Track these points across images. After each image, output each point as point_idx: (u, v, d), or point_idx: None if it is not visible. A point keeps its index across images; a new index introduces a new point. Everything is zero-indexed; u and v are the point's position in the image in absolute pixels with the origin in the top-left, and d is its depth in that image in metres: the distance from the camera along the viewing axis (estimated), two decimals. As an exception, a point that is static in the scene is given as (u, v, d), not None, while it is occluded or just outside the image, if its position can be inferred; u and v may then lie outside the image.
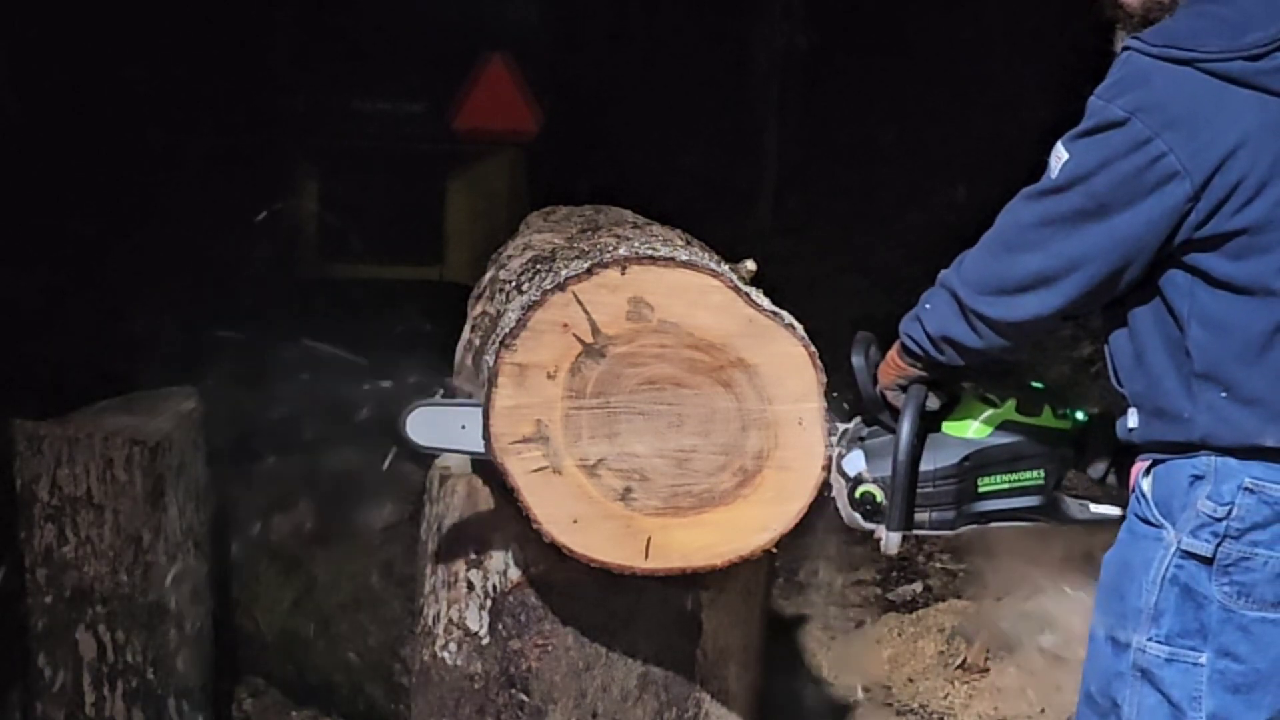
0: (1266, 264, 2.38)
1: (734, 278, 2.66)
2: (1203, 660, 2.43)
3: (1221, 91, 2.36)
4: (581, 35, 8.70)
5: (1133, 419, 2.51)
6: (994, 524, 2.72)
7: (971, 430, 2.68)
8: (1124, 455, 2.67)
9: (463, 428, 2.69)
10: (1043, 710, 4.18)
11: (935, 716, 4.24)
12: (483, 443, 2.62)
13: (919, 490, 2.66)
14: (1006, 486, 2.68)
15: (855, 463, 2.69)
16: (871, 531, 2.71)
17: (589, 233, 3.10)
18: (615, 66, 9.21)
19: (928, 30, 9.25)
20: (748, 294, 2.64)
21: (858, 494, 2.68)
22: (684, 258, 2.65)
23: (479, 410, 2.63)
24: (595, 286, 2.59)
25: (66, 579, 3.97)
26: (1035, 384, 2.75)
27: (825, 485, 2.70)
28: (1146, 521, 2.49)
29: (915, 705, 4.28)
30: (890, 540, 2.66)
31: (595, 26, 9.10)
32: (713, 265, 2.69)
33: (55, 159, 6.61)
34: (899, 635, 4.54)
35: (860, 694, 4.31)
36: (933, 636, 4.48)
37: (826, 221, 9.22)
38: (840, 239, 9.04)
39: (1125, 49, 2.44)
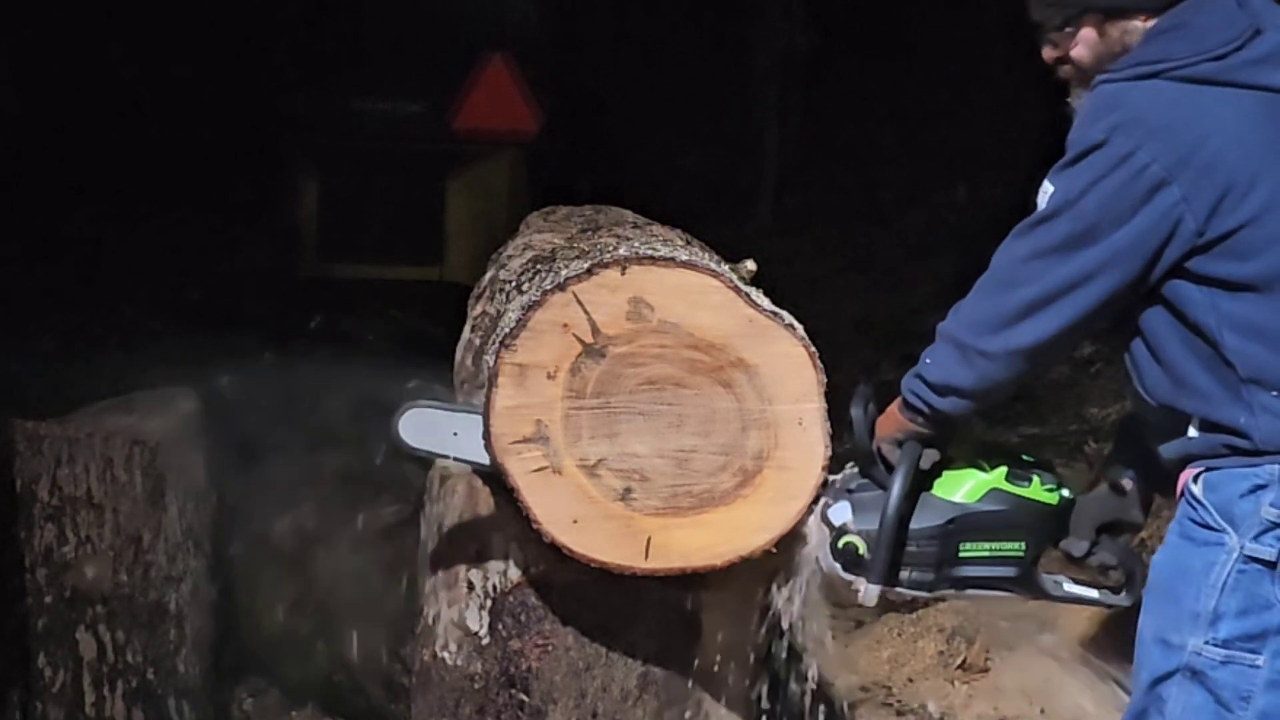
0: (1276, 254, 2.39)
1: (734, 278, 2.66)
2: (1260, 662, 2.43)
3: (1195, 95, 2.39)
4: (581, 35, 8.71)
5: (1192, 430, 2.50)
6: (969, 590, 2.73)
7: (960, 494, 2.68)
8: (1107, 533, 2.70)
9: (455, 434, 2.69)
10: (1042, 710, 4.18)
11: (935, 716, 4.24)
12: (475, 449, 2.62)
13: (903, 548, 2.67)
14: (987, 554, 2.69)
15: (841, 513, 2.69)
16: (850, 582, 2.71)
17: (589, 233, 3.10)
18: (615, 66, 9.21)
19: (928, 30, 9.25)
20: (748, 294, 2.64)
21: (840, 544, 2.68)
22: (684, 258, 2.66)
23: (472, 417, 2.63)
24: (595, 286, 2.60)
25: (66, 579, 3.97)
26: (1026, 456, 2.77)
27: (805, 522, 2.71)
28: (1206, 526, 2.48)
29: (915, 705, 4.27)
30: (869, 593, 2.67)
31: (595, 26, 9.11)
32: (713, 265, 2.69)
33: (55, 158, 6.61)
34: (899, 635, 4.53)
35: (860, 694, 4.31)
36: (933, 636, 4.48)
37: (826, 221, 9.22)
38: (840, 239, 9.04)
39: (1094, 84, 2.47)
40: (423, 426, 2.72)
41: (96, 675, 4.00)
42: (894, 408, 2.66)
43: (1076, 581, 2.78)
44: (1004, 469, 2.70)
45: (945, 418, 2.60)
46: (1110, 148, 2.39)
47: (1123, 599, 2.74)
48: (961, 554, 2.68)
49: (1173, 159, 2.37)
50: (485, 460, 2.65)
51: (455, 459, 2.75)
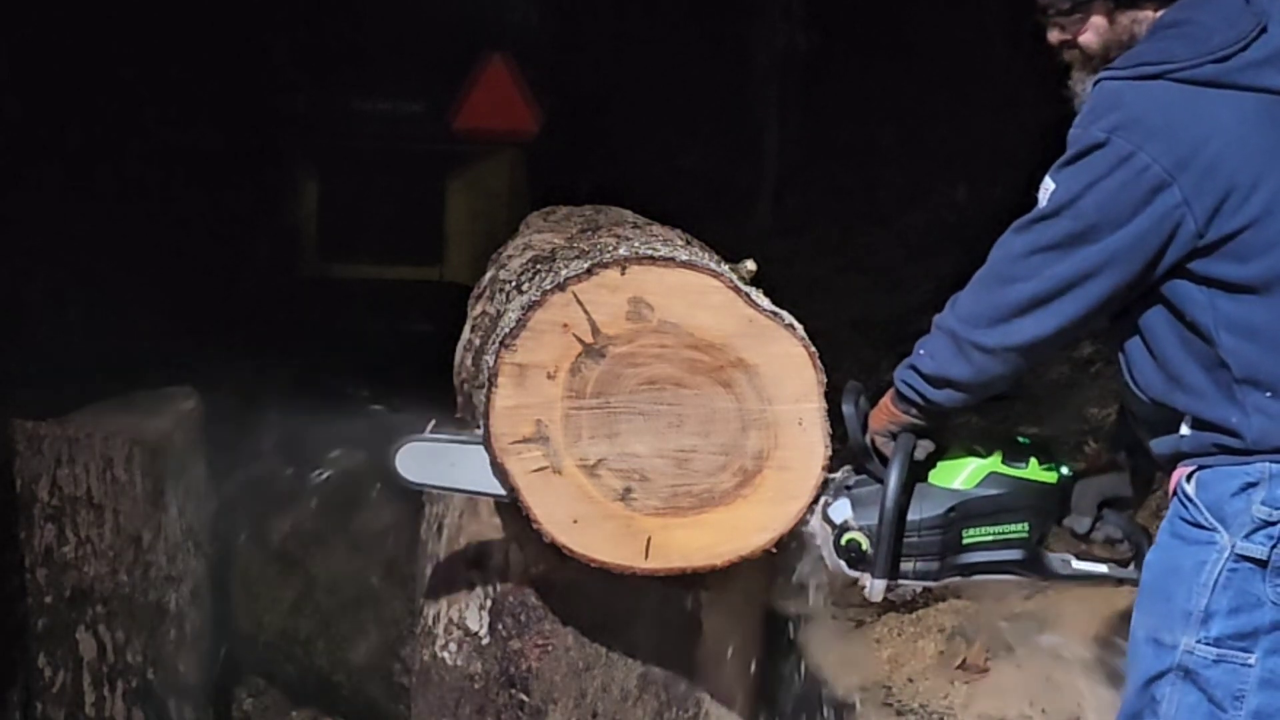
0: (1277, 257, 2.39)
1: (734, 278, 2.66)
2: (1252, 661, 2.44)
3: (1196, 97, 2.39)
4: (581, 35, 8.70)
5: (1184, 428, 2.51)
6: (976, 576, 2.72)
7: (958, 481, 2.69)
8: (1109, 508, 2.69)
9: (451, 465, 2.70)
10: (1043, 710, 4.18)
11: (935, 716, 4.24)
12: (474, 479, 2.64)
13: (905, 539, 2.67)
14: (990, 539, 2.69)
15: (841, 510, 2.69)
16: (856, 579, 2.71)
17: (589, 233, 3.10)
18: (615, 66, 9.20)
19: (928, 30, 9.25)
20: (748, 294, 2.64)
21: (843, 541, 2.68)
22: (684, 258, 2.66)
23: (470, 447, 2.64)
24: (595, 286, 2.60)
25: (66, 579, 3.97)
26: (1021, 438, 2.77)
27: (804, 521, 2.71)
28: (1197, 525, 2.49)
29: (915, 705, 4.27)
30: (875, 588, 2.67)
31: (595, 26, 9.09)
32: (713, 265, 2.69)
33: (55, 159, 6.60)
34: (899, 635, 4.53)
35: (860, 694, 4.31)
36: (933, 636, 4.48)
37: (826, 221, 9.21)
38: (840, 239, 9.03)
39: (1097, 81, 2.47)
40: (420, 460, 2.74)
41: (96, 675, 4.00)
42: (886, 400, 2.66)
43: (1083, 558, 2.77)
44: (1000, 453, 2.70)
45: (939, 409, 2.60)
46: (1111, 148, 2.39)
47: (1131, 571, 2.73)
48: (965, 541, 2.68)
49: (1173, 161, 2.37)
50: (486, 489, 2.66)
51: (456, 490, 2.76)
